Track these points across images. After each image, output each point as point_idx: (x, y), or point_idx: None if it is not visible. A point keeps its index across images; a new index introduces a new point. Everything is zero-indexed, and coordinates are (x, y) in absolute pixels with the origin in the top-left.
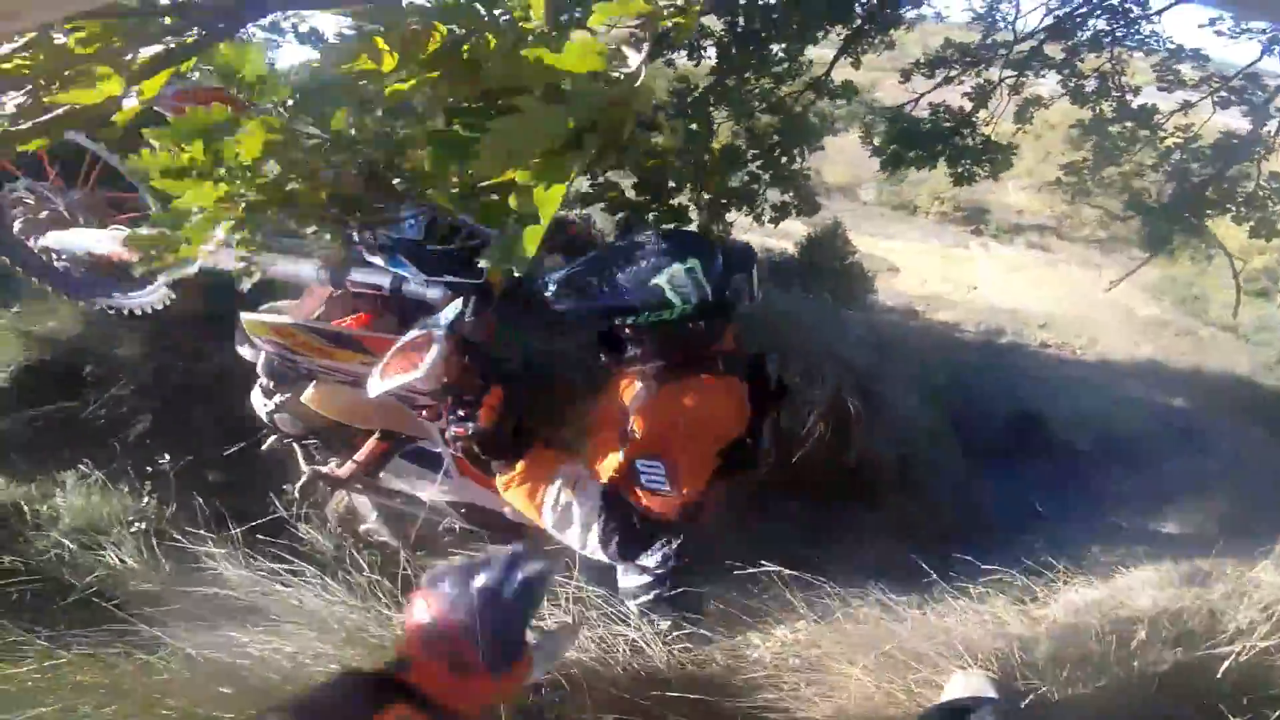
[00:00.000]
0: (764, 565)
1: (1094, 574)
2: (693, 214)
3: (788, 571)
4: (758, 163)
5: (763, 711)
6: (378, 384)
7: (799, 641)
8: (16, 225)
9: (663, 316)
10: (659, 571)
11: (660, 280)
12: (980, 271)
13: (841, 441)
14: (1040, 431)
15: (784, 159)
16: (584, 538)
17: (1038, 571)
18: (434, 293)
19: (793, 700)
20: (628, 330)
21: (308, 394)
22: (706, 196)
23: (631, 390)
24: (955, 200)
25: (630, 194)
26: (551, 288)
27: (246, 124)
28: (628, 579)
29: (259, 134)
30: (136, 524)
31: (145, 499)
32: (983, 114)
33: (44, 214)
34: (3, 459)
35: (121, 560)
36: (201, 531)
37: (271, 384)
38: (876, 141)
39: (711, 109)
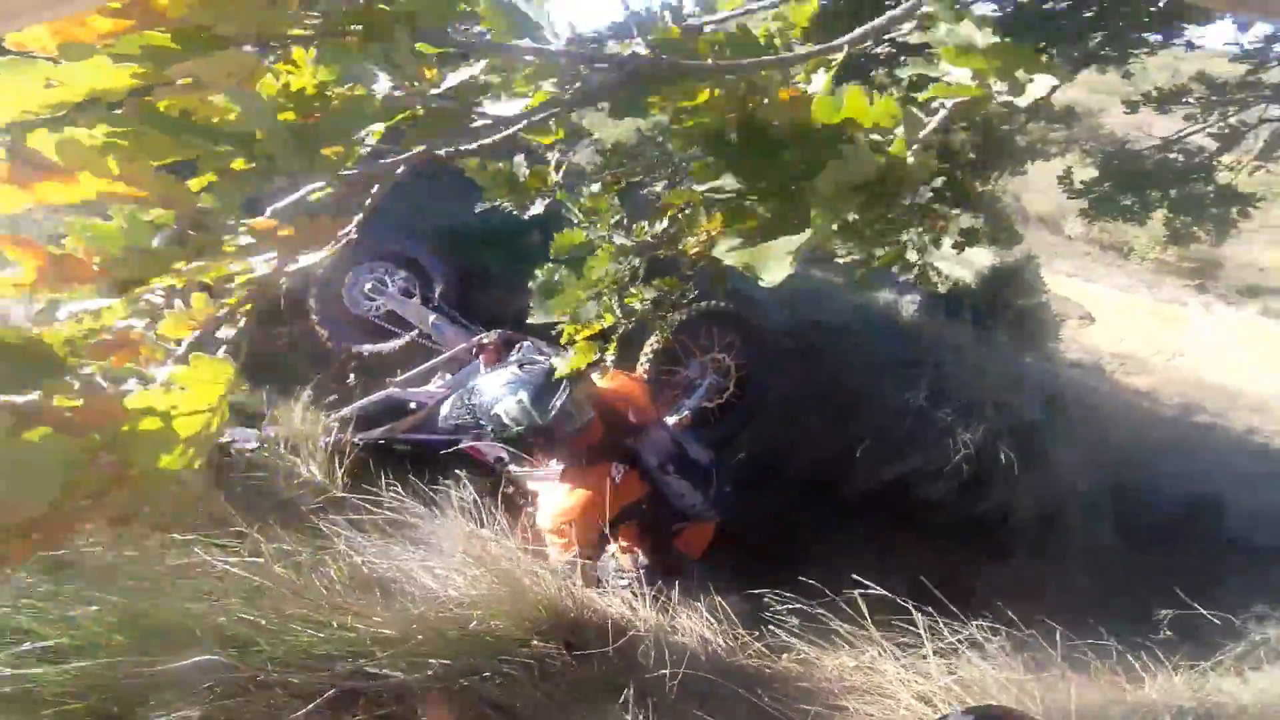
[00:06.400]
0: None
1: (1215, 669)
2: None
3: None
4: (940, 179)
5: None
6: None
7: (866, 668)
8: None
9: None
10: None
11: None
12: (1193, 335)
13: (981, 489)
14: (1212, 521)
15: (973, 180)
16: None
17: (1149, 650)
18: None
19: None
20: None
21: None
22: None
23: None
24: (1182, 248)
25: None
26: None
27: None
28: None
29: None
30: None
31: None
32: (1227, 158)
33: None
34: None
35: (312, 472)
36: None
37: None
38: (1081, 180)
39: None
